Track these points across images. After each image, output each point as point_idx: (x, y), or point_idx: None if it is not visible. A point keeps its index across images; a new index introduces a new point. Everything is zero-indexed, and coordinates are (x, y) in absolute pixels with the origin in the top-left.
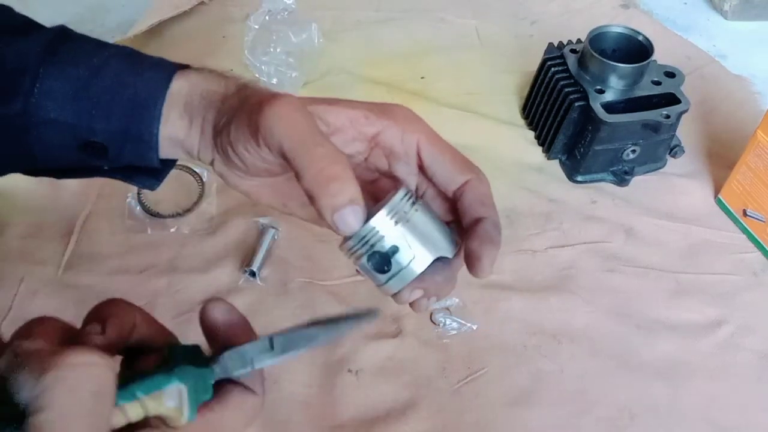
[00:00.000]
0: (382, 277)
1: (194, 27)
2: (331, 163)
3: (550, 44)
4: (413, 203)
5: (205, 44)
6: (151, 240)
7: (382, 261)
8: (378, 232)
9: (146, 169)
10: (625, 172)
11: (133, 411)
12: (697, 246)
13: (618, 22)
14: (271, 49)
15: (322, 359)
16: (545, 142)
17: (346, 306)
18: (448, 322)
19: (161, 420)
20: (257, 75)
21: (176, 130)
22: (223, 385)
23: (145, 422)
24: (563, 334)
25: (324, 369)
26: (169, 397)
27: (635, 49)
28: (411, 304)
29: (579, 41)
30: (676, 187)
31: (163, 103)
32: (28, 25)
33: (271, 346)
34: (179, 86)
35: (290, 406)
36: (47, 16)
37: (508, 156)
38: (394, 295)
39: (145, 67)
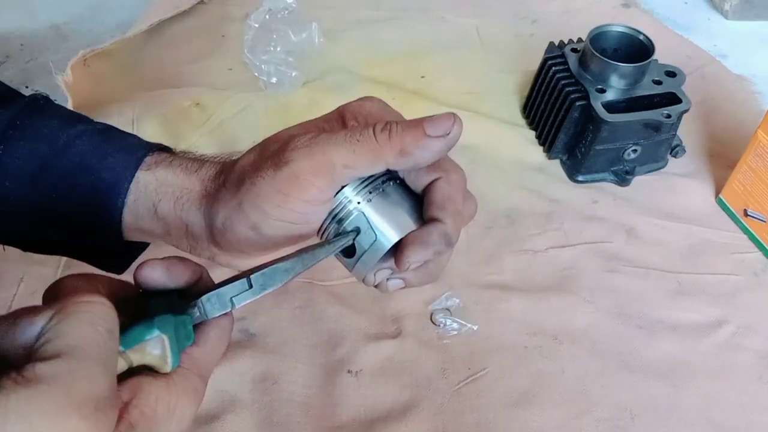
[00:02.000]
0: (350, 262)
1: (194, 26)
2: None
3: (551, 43)
4: (383, 182)
5: (205, 43)
6: None
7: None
8: (341, 209)
9: (113, 253)
10: (626, 172)
11: (118, 364)
12: (698, 246)
13: (619, 21)
14: (271, 48)
15: (322, 360)
16: (546, 141)
17: (346, 306)
18: (448, 322)
19: (147, 368)
20: (257, 74)
21: (152, 228)
22: (202, 323)
23: (131, 372)
24: (564, 334)
25: (324, 369)
26: (153, 348)
27: (636, 49)
28: (378, 287)
29: (580, 40)
30: (677, 187)
31: (126, 194)
32: (3, 96)
33: (250, 285)
34: (146, 181)
35: (290, 406)
36: (47, 16)
37: (509, 156)
38: (365, 281)
39: (112, 150)
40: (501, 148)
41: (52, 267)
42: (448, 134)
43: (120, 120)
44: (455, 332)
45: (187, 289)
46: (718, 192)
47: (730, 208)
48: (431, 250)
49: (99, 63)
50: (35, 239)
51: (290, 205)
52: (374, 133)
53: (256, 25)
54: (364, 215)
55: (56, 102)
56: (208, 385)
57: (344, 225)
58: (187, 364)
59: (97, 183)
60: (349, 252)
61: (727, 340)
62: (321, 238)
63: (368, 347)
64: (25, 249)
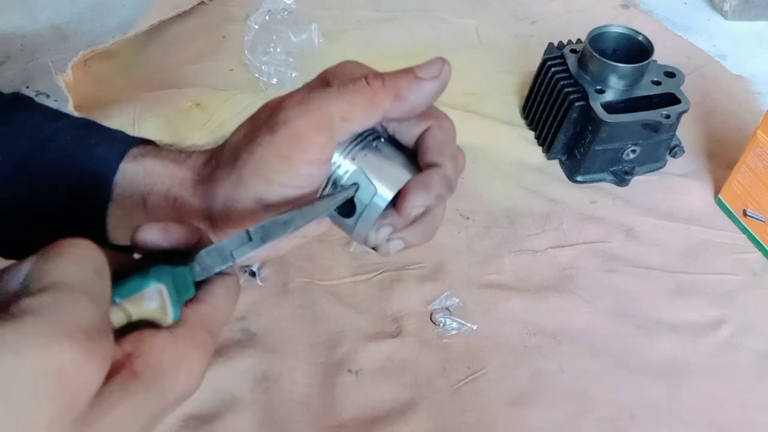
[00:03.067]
0: (350, 222)
1: (194, 27)
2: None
3: (550, 44)
4: (374, 139)
5: (205, 44)
6: None
7: (346, 203)
8: (336, 169)
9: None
10: (625, 172)
11: (115, 316)
12: (697, 246)
13: (618, 22)
14: (271, 49)
15: (322, 359)
16: (545, 142)
17: (346, 306)
18: (448, 322)
19: (147, 324)
20: (257, 75)
21: (143, 221)
22: (206, 281)
23: (132, 328)
24: (563, 334)
25: (324, 369)
26: (150, 299)
27: (635, 49)
28: (378, 248)
29: (579, 41)
30: (676, 187)
31: (111, 186)
32: None
33: (249, 238)
34: (133, 172)
35: (290, 406)
36: (47, 16)
37: (508, 156)
38: (366, 241)
39: (95, 143)
40: (500, 149)
41: None
42: (438, 75)
43: (121, 120)
44: (455, 332)
45: (186, 251)
46: (717, 192)
47: (729, 208)
48: (433, 194)
49: (99, 63)
50: (18, 239)
51: (293, 168)
52: (368, 82)
53: (256, 26)
54: (362, 171)
55: (57, 102)
56: (209, 385)
57: (342, 183)
58: (192, 318)
59: (81, 176)
60: (348, 212)
61: (727, 340)
62: None
63: (368, 346)
64: (7, 256)
